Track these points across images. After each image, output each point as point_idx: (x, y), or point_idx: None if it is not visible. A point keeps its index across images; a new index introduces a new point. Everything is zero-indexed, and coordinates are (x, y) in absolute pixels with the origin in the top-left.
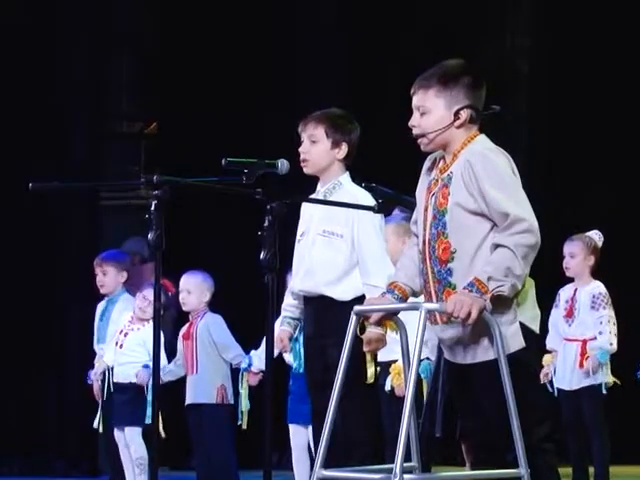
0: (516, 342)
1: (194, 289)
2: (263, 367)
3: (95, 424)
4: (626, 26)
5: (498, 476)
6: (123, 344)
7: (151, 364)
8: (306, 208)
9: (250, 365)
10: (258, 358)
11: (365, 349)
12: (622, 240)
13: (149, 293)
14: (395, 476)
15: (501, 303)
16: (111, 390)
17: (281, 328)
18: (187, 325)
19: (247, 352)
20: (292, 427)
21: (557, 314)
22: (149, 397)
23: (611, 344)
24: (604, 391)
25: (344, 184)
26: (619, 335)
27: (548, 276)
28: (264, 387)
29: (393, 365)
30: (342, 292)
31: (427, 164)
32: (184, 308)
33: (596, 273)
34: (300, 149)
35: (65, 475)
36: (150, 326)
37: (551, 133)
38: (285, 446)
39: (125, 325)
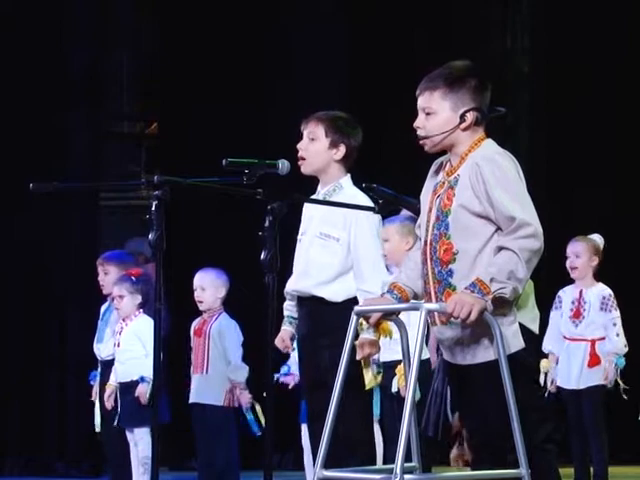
0: (516, 342)
1: (208, 286)
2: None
3: (97, 427)
4: (626, 26)
5: (498, 476)
6: (120, 342)
7: (146, 373)
8: (307, 209)
9: (290, 368)
10: (294, 364)
11: (358, 356)
12: (622, 241)
13: (117, 290)
14: (396, 476)
15: (502, 304)
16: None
17: (283, 328)
18: (200, 321)
19: (247, 361)
20: (304, 427)
21: (558, 316)
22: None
23: (625, 346)
24: (609, 387)
25: (345, 187)
26: None
27: (548, 277)
28: (264, 389)
29: (399, 366)
30: (334, 293)
31: (433, 167)
32: (200, 307)
33: (596, 274)
34: (299, 145)
35: (66, 475)
36: (139, 317)
37: (551, 133)
38: (286, 447)
39: (118, 324)
